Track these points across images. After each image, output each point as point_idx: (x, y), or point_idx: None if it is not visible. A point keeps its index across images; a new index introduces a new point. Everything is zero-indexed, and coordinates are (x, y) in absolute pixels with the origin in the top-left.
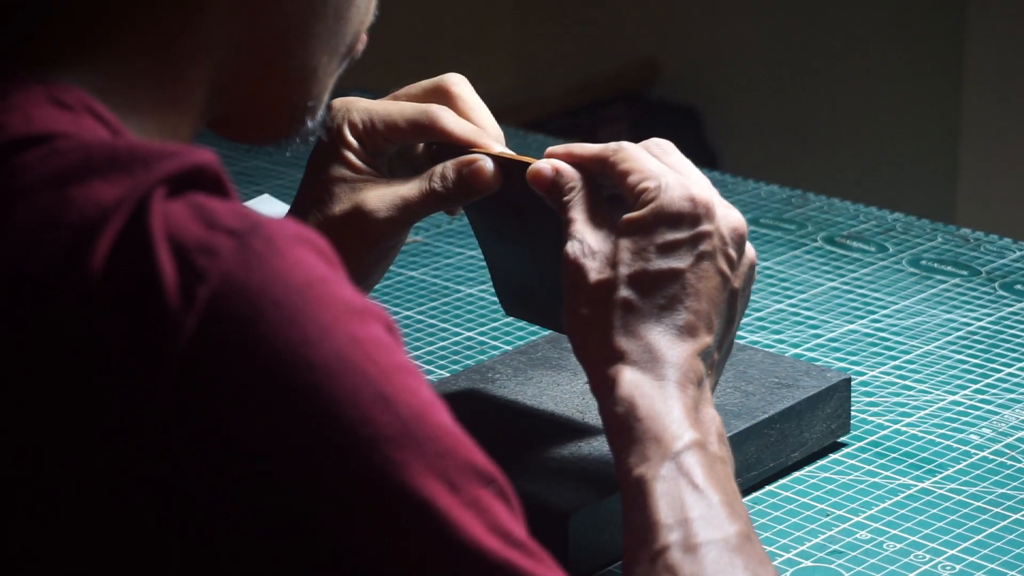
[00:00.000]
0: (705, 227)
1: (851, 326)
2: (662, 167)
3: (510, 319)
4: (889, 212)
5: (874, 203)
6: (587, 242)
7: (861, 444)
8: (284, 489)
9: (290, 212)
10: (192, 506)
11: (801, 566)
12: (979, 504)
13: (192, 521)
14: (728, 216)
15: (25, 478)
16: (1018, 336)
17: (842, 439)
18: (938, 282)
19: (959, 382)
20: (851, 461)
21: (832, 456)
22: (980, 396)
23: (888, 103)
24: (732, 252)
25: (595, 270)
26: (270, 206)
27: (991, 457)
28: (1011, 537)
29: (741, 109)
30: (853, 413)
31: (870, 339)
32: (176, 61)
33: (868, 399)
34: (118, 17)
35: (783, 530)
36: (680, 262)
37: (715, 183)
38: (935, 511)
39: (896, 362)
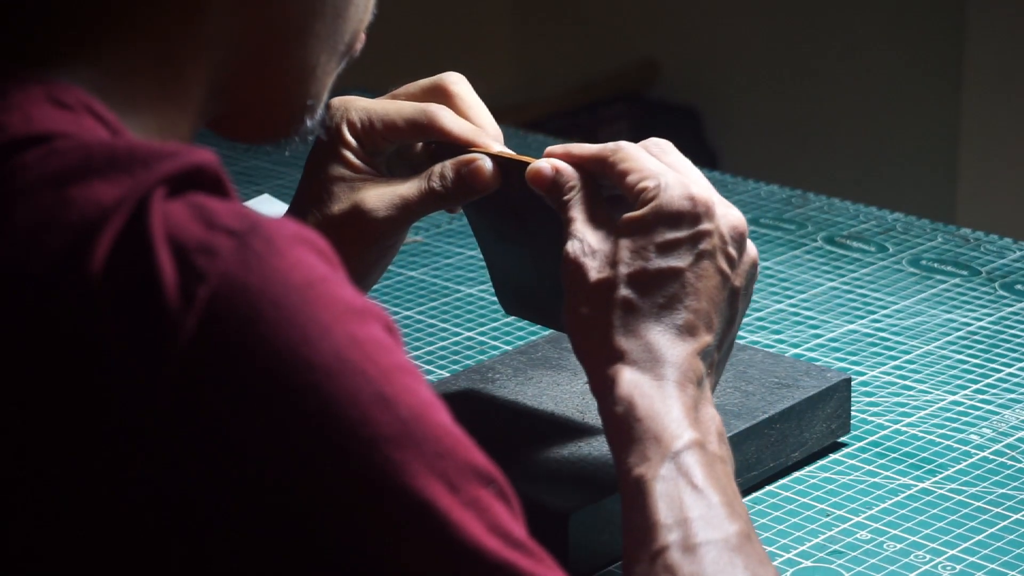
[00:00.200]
0: (705, 226)
1: (851, 326)
2: (661, 166)
3: (510, 319)
4: (889, 212)
5: (874, 203)
6: (587, 241)
7: (861, 444)
8: (284, 489)
9: (289, 211)
10: (192, 506)
11: (801, 566)
12: (979, 504)
13: (192, 521)
14: (728, 215)
15: (25, 478)
16: (1018, 336)
17: (842, 439)
18: (938, 282)
19: (959, 382)
20: (851, 461)
21: (832, 456)
22: (980, 396)
23: (888, 103)
24: (732, 251)
25: (595, 269)
26: (270, 206)
27: (991, 457)
28: (1011, 537)
29: (741, 109)
30: (853, 413)
31: (870, 339)
32: (176, 60)
33: (868, 399)
34: (118, 16)
35: (783, 530)
36: (680, 261)
37: (715, 183)
38: (935, 511)
39: (896, 362)
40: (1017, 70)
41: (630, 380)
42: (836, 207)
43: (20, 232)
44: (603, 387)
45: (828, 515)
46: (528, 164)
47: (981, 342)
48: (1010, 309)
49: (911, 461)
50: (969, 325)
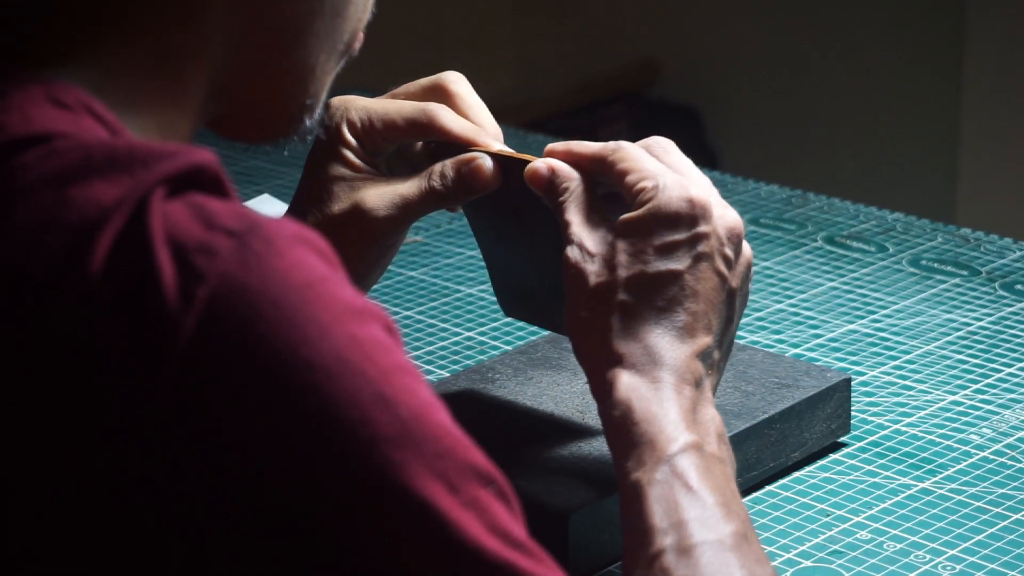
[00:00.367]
0: (702, 228)
1: (851, 326)
2: (660, 167)
3: (510, 319)
4: (889, 212)
5: (874, 203)
6: (585, 245)
7: (861, 444)
8: (283, 489)
9: (289, 211)
10: (192, 506)
11: (801, 566)
12: (979, 504)
13: (192, 521)
14: (725, 216)
15: (25, 478)
16: (1018, 336)
17: (842, 439)
18: (938, 282)
19: (959, 382)
20: (851, 461)
21: (832, 456)
22: (980, 396)
23: (888, 103)
24: (729, 252)
25: (594, 273)
26: (270, 206)
27: (991, 457)
28: (1011, 537)
29: (741, 109)
30: (853, 413)
31: (870, 339)
32: (175, 59)
33: (868, 399)
34: (118, 16)
35: (783, 530)
36: (678, 264)
37: (715, 183)
38: (935, 511)
39: (896, 362)
40: (1017, 70)
41: (628, 384)
42: (836, 207)
43: (20, 232)
44: (602, 390)
45: (828, 515)
46: (528, 163)
47: (981, 342)
48: (1010, 309)
49: (911, 461)
50: (969, 325)
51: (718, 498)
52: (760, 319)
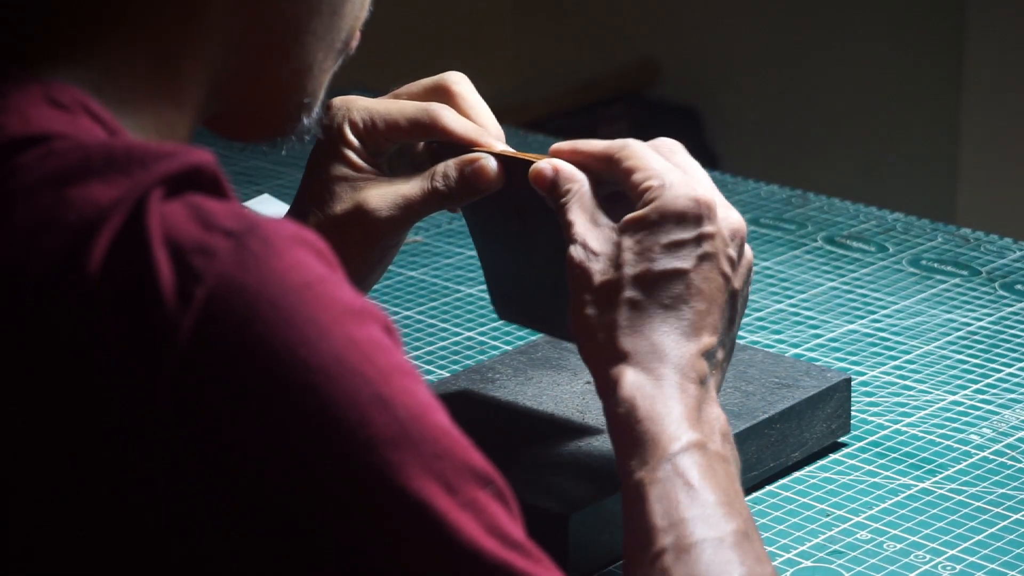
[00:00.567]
0: (708, 228)
1: (851, 326)
2: (667, 166)
3: None
4: (889, 212)
5: (874, 203)
6: (589, 244)
7: (861, 444)
8: (282, 490)
9: (290, 211)
10: (191, 506)
11: (801, 566)
12: (979, 504)
13: (191, 521)
14: (729, 217)
15: (25, 479)
16: (1018, 336)
17: (842, 439)
18: (938, 282)
19: (959, 382)
20: (851, 461)
21: (832, 456)
22: (980, 396)
23: (888, 103)
24: (733, 253)
25: (599, 272)
26: (270, 206)
27: (991, 457)
28: (1011, 537)
29: (741, 109)
30: (853, 413)
31: (870, 339)
32: (174, 58)
33: (868, 399)
34: (116, 15)
35: (783, 530)
36: (684, 262)
37: (715, 183)
38: (935, 511)
39: (896, 362)
40: (1017, 70)
41: (633, 381)
42: (836, 207)
43: (19, 233)
44: (607, 388)
45: (828, 515)
46: (531, 162)
47: (981, 342)
48: (1010, 309)
49: (911, 461)
50: (969, 325)
51: (720, 496)
52: (760, 319)
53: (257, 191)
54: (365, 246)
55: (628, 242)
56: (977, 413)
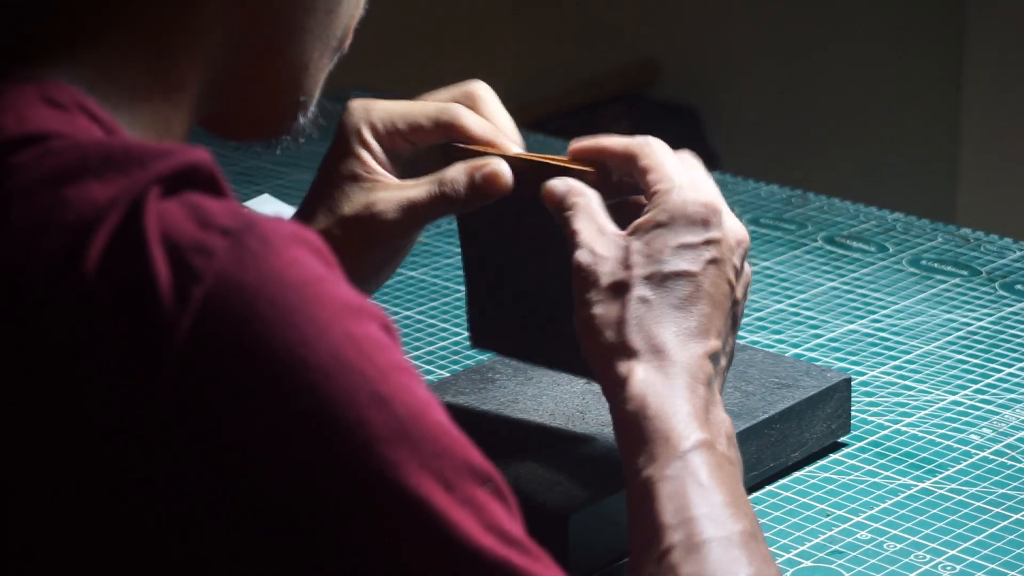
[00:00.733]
0: (715, 234)
1: (851, 326)
2: (680, 169)
3: None
4: (889, 212)
5: (874, 203)
6: (596, 249)
7: (861, 444)
8: (282, 489)
9: (299, 210)
10: (191, 506)
11: (801, 566)
12: (979, 504)
13: (191, 521)
14: (735, 228)
15: (24, 479)
16: (1018, 336)
17: (842, 439)
18: (938, 282)
19: (959, 382)
20: (851, 461)
21: (832, 456)
22: (980, 396)
23: (888, 103)
24: (737, 262)
25: (607, 274)
26: (270, 206)
27: (991, 457)
28: (1011, 537)
29: (741, 109)
30: (853, 413)
31: (870, 339)
32: (171, 57)
33: (868, 399)
34: (113, 14)
35: (783, 530)
36: (692, 265)
37: (715, 183)
38: (935, 511)
39: (896, 362)
40: (1017, 70)
41: (643, 378)
42: (836, 207)
43: (17, 232)
44: (614, 385)
45: (828, 515)
46: (542, 164)
47: (981, 342)
48: (1010, 309)
49: (911, 461)
50: (969, 325)
51: (728, 497)
52: (760, 319)
53: (257, 191)
54: (368, 247)
55: (637, 244)
56: (977, 413)
